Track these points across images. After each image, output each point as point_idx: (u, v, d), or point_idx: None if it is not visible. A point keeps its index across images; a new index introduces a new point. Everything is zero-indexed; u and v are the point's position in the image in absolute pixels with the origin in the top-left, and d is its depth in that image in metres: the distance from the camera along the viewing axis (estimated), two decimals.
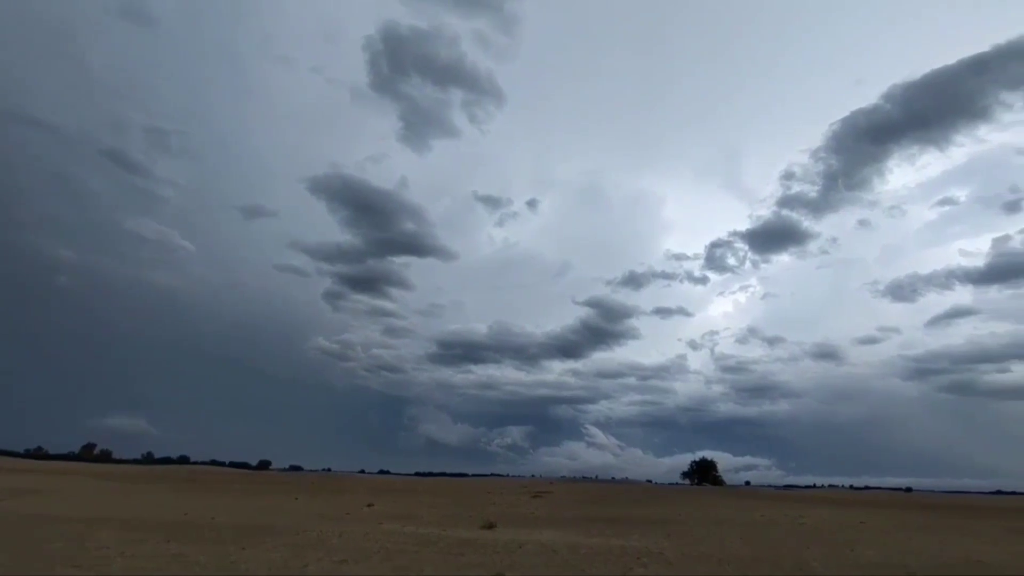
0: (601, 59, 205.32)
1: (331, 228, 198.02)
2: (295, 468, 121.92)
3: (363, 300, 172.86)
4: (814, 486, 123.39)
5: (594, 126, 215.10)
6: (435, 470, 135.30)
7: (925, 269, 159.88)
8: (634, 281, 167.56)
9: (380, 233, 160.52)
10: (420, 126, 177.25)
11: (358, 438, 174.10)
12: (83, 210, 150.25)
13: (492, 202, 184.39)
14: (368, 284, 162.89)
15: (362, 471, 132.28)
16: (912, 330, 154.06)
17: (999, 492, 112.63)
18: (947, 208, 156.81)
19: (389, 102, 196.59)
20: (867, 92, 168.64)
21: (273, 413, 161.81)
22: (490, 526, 17.96)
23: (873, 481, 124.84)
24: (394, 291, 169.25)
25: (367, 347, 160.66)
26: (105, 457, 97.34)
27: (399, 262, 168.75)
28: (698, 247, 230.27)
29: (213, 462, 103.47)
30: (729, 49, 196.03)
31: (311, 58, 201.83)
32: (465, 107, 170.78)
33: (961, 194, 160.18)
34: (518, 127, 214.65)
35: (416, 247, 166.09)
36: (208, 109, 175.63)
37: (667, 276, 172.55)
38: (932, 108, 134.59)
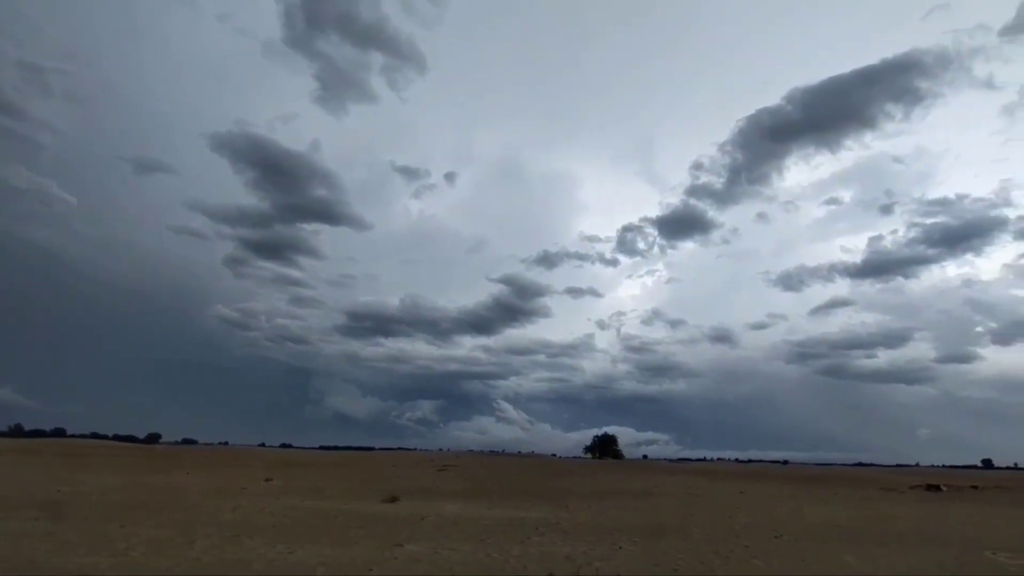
0: (526, 38, 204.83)
1: (235, 189, 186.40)
2: (188, 442, 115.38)
3: (268, 267, 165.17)
4: (704, 459, 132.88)
5: (516, 103, 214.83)
6: (341, 444, 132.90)
7: (812, 262, 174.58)
8: (548, 260, 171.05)
9: (289, 197, 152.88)
10: (337, 88, 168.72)
11: (259, 411, 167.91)
12: None
13: (410, 173, 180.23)
14: (274, 251, 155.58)
15: (262, 445, 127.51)
16: (797, 317, 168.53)
17: (859, 464, 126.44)
18: (833, 207, 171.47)
19: (304, 60, 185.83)
20: (771, 92, 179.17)
21: (165, 384, 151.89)
22: (393, 500, 17.92)
23: (756, 455, 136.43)
24: (303, 259, 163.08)
25: (271, 316, 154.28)
26: None
27: (309, 229, 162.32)
28: (610, 230, 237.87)
29: (94, 435, 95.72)
30: (651, 41, 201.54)
31: (218, 5, 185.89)
32: (385, 72, 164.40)
33: (846, 195, 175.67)
34: (439, 97, 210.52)
35: (328, 215, 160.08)
36: (97, 50, 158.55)
37: (580, 257, 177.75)
38: (827, 113, 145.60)
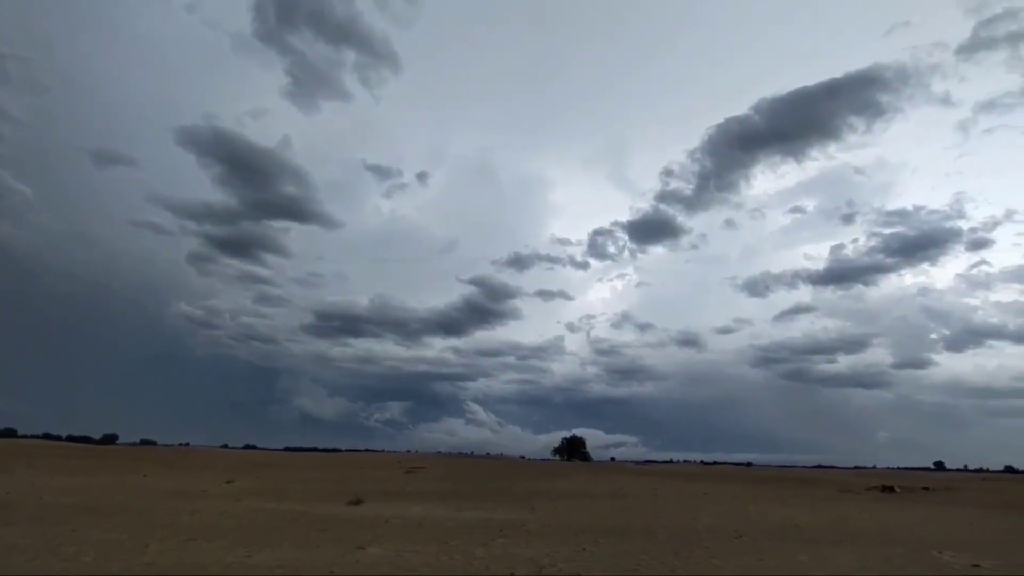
0: (501, 41, 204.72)
1: (201, 184, 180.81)
2: (147, 442, 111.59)
3: (234, 265, 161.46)
4: (670, 461, 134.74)
5: (489, 104, 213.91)
6: (307, 445, 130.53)
7: (776, 269, 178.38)
8: (519, 262, 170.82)
9: (257, 194, 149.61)
10: (308, 84, 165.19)
11: (222, 411, 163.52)
12: None
13: (381, 172, 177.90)
14: (241, 248, 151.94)
15: (225, 446, 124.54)
16: (762, 323, 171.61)
17: (819, 466, 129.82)
18: (798, 215, 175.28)
19: (275, 55, 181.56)
20: (740, 102, 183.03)
21: (123, 383, 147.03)
22: (357, 502, 17.72)
23: (722, 457, 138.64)
24: (270, 257, 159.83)
25: (236, 315, 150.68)
26: None
27: (277, 227, 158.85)
28: (582, 234, 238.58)
29: (47, 436, 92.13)
30: (625, 49, 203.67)
31: None
32: (358, 69, 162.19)
33: (810, 204, 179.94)
34: (412, 97, 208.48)
35: (297, 212, 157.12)
36: (59, 37, 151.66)
37: (551, 259, 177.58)
38: (793, 123, 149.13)
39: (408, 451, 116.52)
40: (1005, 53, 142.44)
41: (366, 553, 9.56)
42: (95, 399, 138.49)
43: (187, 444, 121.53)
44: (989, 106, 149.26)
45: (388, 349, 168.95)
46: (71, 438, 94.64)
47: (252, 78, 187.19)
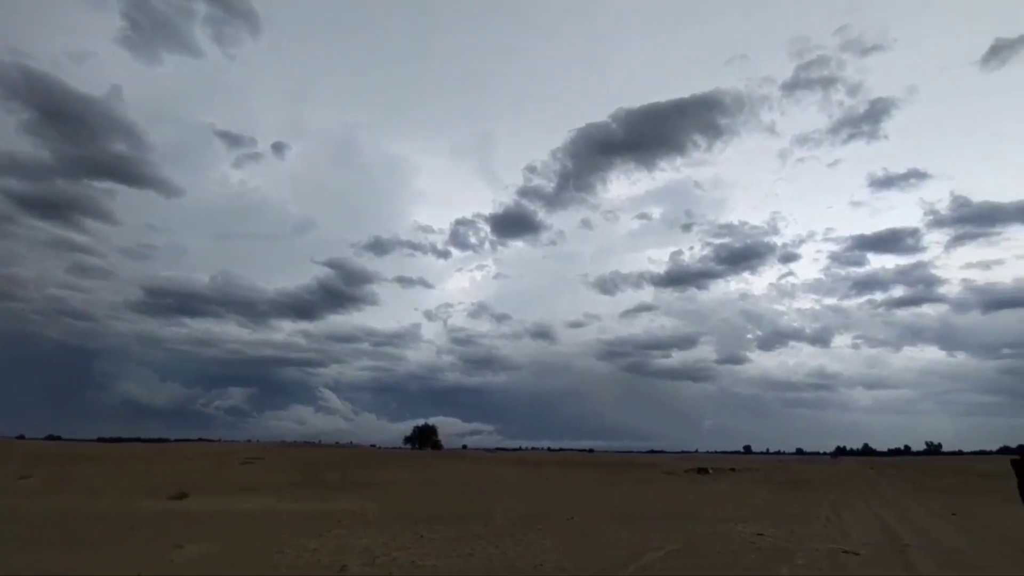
0: (372, 13, 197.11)
1: (3, 131, 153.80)
2: None
3: (42, 228, 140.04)
4: (520, 449, 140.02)
5: (357, 80, 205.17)
6: (128, 435, 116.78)
7: (625, 269, 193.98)
8: (379, 247, 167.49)
9: (77, 149, 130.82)
10: (148, 31, 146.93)
11: (21, 397, 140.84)
12: None
13: (232, 139, 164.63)
14: (53, 209, 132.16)
15: (21, 436, 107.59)
16: (609, 318, 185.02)
17: (652, 451, 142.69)
18: (645, 221, 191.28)
19: None
20: (601, 109, 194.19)
21: None
22: (181, 496, 16.33)
23: (568, 444, 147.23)
24: (90, 222, 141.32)
25: (43, 285, 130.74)
26: None
27: (101, 188, 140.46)
28: (444, 222, 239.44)
29: None
30: (498, 41, 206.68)
31: None
32: (210, 23, 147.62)
33: (656, 212, 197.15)
34: (272, 62, 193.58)
35: (127, 174, 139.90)
36: None
37: (412, 246, 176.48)
38: (646, 135, 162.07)
39: (249, 441, 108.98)
40: (818, 95, 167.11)
41: (183, 552, 8.87)
42: None
43: None
44: (803, 139, 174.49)
45: (230, 331, 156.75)
46: None
47: (76, 16, 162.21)
